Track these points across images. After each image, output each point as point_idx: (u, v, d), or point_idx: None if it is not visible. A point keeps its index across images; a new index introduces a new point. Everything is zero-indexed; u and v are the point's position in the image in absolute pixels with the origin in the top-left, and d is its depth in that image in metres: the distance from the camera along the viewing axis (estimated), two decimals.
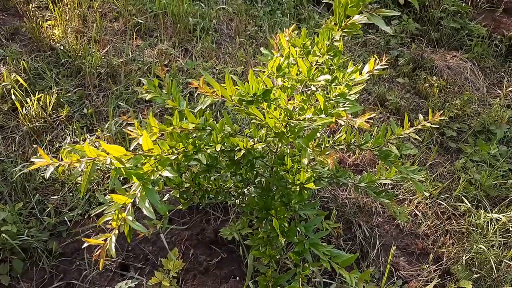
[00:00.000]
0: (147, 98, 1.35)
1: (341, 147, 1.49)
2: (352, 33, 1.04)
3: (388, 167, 1.49)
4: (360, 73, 1.32)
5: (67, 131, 2.23)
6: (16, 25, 2.88)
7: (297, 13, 3.66)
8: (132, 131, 1.12)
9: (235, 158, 1.29)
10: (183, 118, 1.23)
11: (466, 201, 2.20)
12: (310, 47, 1.24)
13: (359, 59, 3.26)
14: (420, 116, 1.43)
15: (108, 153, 0.97)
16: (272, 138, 1.28)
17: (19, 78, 2.33)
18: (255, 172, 1.48)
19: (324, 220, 1.69)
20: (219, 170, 1.42)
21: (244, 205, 1.58)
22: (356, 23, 1.00)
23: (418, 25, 3.78)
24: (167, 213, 1.59)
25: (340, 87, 1.23)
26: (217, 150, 1.20)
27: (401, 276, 1.88)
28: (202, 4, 3.41)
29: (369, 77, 1.35)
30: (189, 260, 1.76)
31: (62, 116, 2.29)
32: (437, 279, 1.85)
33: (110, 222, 0.94)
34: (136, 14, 3.14)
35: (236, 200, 1.65)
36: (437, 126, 1.43)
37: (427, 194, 2.21)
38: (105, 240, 0.93)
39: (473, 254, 1.95)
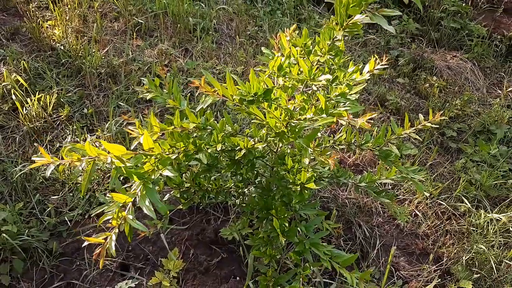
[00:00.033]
0: (148, 98, 1.35)
1: (342, 147, 1.49)
2: (354, 32, 1.04)
3: (388, 167, 1.49)
4: (361, 73, 1.32)
5: (68, 131, 2.23)
6: (17, 25, 2.88)
7: (297, 13, 3.66)
8: (133, 130, 1.12)
9: (236, 158, 1.29)
10: (184, 118, 1.23)
11: (466, 201, 2.20)
12: (311, 46, 1.25)
13: (359, 59, 3.26)
14: (421, 116, 1.43)
15: (109, 152, 0.97)
16: (273, 138, 1.28)
17: (19, 78, 2.33)
18: (255, 172, 1.48)
19: (324, 220, 1.69)
20: (220, 170, 1.42)
21: (244, 205, 1.58)
22: (358, 22, 1.00)
23: (418, 25, 3.78)
24: (168, 212, 1.59)
25: (340, 87, 1.23)
26: (218, 149, 1.20)
27: (401, 276, 1.88)
28: (202, 4, 3.41)
29: (369, 77, 1.35)
30: (189, 260, 1.76)
31: (62, 116, 2.29)
32: (437, 279, 1.85)
33: (110, 221, 0.94)
34: (136, 14, 3.14)
35: (237, 200, 1.65)
36: (437, 126, 1.43)
37: (427, 194, 2.21)
38: (105, 239, 0.93)
39: (473, 254, 1.95)
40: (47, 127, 2.24)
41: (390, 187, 2.28)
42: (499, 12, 3.93)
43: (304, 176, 1.27)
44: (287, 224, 1.38)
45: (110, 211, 0.94)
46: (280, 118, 1.20)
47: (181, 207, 1.53)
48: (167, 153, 1.10)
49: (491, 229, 2.07)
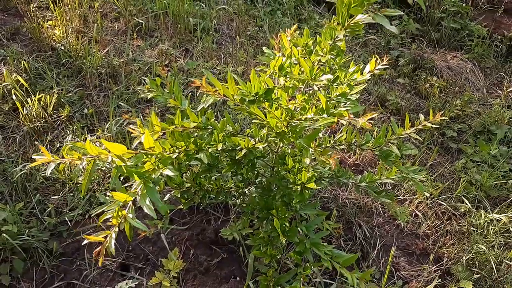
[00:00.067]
0: (149, 97, 1.35)
1: (342, 147, 1.49)
2: (355, 32, 1.04)
3: (389, 167, 1.49)
4: (362, 73, 1.32)
5: (68, 131, 2.23)
6: (17, 25, 2.88)
7: (297, 13, 3.66)
8: (134, 129, 1.12)
9: (236, 158, 1.29)
10: (185, 118, 1.23)
11: (466, 201, 2.20)
12: (312, 46, 1.25)
13: (360, 59, 3.26)
14: (421, 116, 1.43)
15: (109, 151, 0.97)
16: (274, 138, 1.28)
17: (19, 78, 2.33)
18: (256, 172, 1.48)
19: (324, 220, 1.69)
20: (220, 169, 1.42)
21: (245, 205, 1.58)
22: (360, 22, 1.00)
23: (418, 26, 3.78)
24: (168, 212, 1.59)
25: (341, 86, 1.23)
26: (219, 149, 1.20)
27: (402, 276, 1.88)
28: (202, 4, 3.42)
29: (370, 77, 1.35)
30: (190, 260, 1.76)
31: (62, 116, 2.29)
32: (438, 280, 1.85)
33: (110, 220, 0.94)
34: (137, 14, 3.14)
35: (237, 200, 1.65)
36: (438, 126, 1.43)
37: (428, 195, 2.21)
38: (105, 237, 0.93)
39: (473, 254, 1.95)
40: (47, 127, 2.24)
41: (390, 187, 2.28)
42: (500, 13, 3.94)
43: (305, 176, 1.27)
44: (287, 224, 1.38)
45: (110, 209, 0.94)
46: (281, 118, 1.20)
47: (182, 207, 1.53)
48: (167, 152, 1.10)
49: (491, 229, 2.07)
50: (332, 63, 1.27)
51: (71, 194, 1.92)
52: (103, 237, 0.93)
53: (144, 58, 2.79)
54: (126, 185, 1.49)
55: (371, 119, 1.09)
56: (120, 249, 1.77)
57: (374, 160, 2.40)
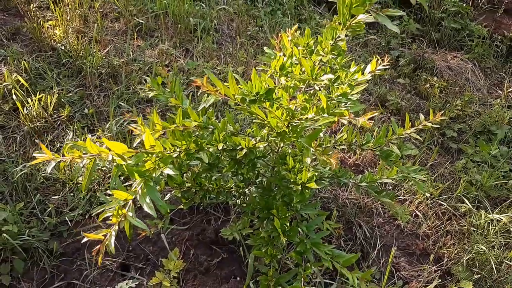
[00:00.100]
0: (150, 96, 1.36)
1: (343, 147, 1.49)
2: (357, 32, 1.04)
3: (389, 167, 1.49)
4: (363, 73, 1.32)
5: (68, 131, 2.23)
6: (17, 25, 2.88)
7: (297, 13, 3.66)
8: (135, 128, 1.12)
9: (237, 157, 1.29)
10: (186, 117, 1.23)
11: (467, 201, 2.20)
12: (313, 46, 1.25)
13: (360, 60, 3.26)
14: (421, 116, 1.43)
15: (110, 150, 0.97)
16: (274, 138, 1.28)
17: (20, 78, 2.33)
18: (256, 172, 1.48)
19: (325, 220, 1.69)
20: (221, 169, 1.42)
21: (245, 205, 1.58)
22: (361, 22, 1.00)
23: (418, 26, 3.78)
24: (168, 211, 1.59)
25: (342, 86, 1.23)
26: (219, 148, 1.20)
27: (402, 276, 1.88)
28: (203, 4, 3.42)
29: (371, 77, 1.35)
30: (190, 260, 1.76)
31: (63, 116, 2.29)
32: (438, 280, 1.84)
33: (110, 218, 0.94)
34: (137, 14, 3.14)
35: (237, 200, 1.65)
36: (438, 126, 1.43)
37: (428, 195, 2.20)
38: (105, 236, 0.93)
39: (473, 254, 1.95)
40: (47, 127, 2.24)
41: (390, 187, 2.28)
42: (500, 13, 3.94)
43: (305, 176, 1.27)
44: (288, 224, 1.38)
45: (110, 208, 0.94)
46: (282, 118, 1.20)
47: (182, 207, 1.53)
48: (168, 151, 1.10)
49: (491, 229, 2.07)
50: (333, 63, 1.27)
51: (72, 194, 1.92)
52: (102, 235, 0.93)
53: (145, 58, 2.79)
54: (126, 184, 1.49)
55: (371, 118, 1.09)
56: (121, 249, 1.77)
57: (374, 160, 2.40)
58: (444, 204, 2.20)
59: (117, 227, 0.93)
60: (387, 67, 1.39)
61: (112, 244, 0.92)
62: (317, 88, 1.19)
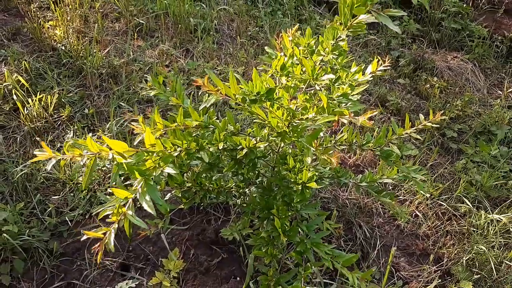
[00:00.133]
0: (151, 94, 1.36)
1: (343, 147, 1.49)
2: (358, 32, 1.04)
3: (389, 167, 1.49)
4: (363, 74, 1.32)
5: (69, 131, 2.23)
6: (18, 25, 2.88)
7: (298, 13, 3.66)
8: (136, 126, 1.12)
9: (237, 157, 1.29)
10: (186, 116, 1.23)
11: (466, 202, 2.20)
12: (314, 46, 1.25)
13: (360, 60, 3.26)
14: (421, 116, 1.43)
15: (110, 149, 0.97)
16: (275, 138, 1.28)
17: (20, 78, 2.33)
18: (257, 171, 1.48)
19: (325, 220, 1.69)
20: (221, 169, 1.42)
21: (245, 205, 1.58)
22: (362, 22, 1.00)
23: (419, 26, 3.78)
24: (168, 210, 1.59)
25: (343, 87, 1.23)
26: (220, 148, 1.20)
27: (402, 276, 1.88)
28: (203, 4, 3.42)
29: (371, 78, 1.35)
30: (190, 260, 1.76)
31: (63, 116, 2.29)
32: (438, 280, 1.85)
33: (110, 216, 0.94)
34: (138, 14, 3.14)
35: (238, 200, 1.65)
36: (438, 126, 1.43)
37: (428, 195, 2.21)
38: (104, 234, 0.93)
39: (473, 255, 1.95)
40: (48, 127, 2.24)
41: (390, 187, 2.28)
42: (500, 13, 3.94)
43: (306, 176, 1.27)
44: (288, 224, 1.38)
45: (110, 206, 0.94)
46: (282, 118, 1.20)
47: (182, 206, 1.53)
48: (169, 151, 1.10)
49: (491, 229, 2.07)
50: (334, 63, 1.27)
51: (72, 194, 1.92)
52: (102, 234, 0.93)
53: (145, 58, 2.79)
54: (126, 183, 1.49)
55: (371, 118, 1.09)
56: (120, 249, 1.77)
57: (374, 160, 2.40)
58: (444, 204, 2.20)
59: (116, 225, 0.93)
60: (388, 68, 1.39)
61: (112, 242, 0.92)
62: (317, 88, 1.19)
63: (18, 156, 2.05)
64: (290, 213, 1.39)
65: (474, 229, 2.09)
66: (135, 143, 1.11)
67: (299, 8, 3.72)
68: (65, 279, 1.68)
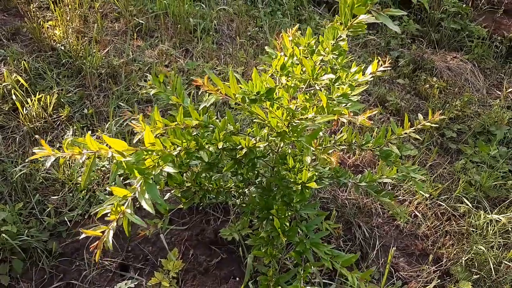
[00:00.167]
0: (151, 93, 1.36)
1: (342, 147, 1.49)
2: (358, 32, 1.04)
3: (389, 167, 1.49)
4: (363, 74, 1.32)
5: (68, 131, 2.23)
6: (17, 25, 2.88)
7: (297, 14, 3.67)
8: (136, 125, 1.12)
9: (237, 157, 1.29)
10: (186, 115, 1.23)
11: (466, 202, 2.20)
12: (314, 46, 1.25)
13: (360, 60, 3.26)
14: (420, 116, 1.43)
15: (110, 147, 0.97)
16: (274, 138, 1.28)
17: (19, 78, 2.33)
18: (256, 171, 1.48)
19: (324, 220, 1.69)
20: (221, 169, 1.42)
21: (245, 205, 1.58)
22: (363, 22, 1.00)
23: (418, 26, 3.78)
24: (167, 210, 1.59)
25: (343, 87, 1.23)
26: (219, 147, 1.20)
27: (401, 277, 1.88)
28: (202, 4, 3.42)
29: (371, 78, 1.35)
30: (189, 260, 1.76)
31: (62, 116, 2.29)
32: (437, 280, 1.85)
33: (109, 215, 0.94)
34: (137, 14, 3.14)
35: (237, 200, 1.65)
36: (437, 126, 1.43)
37: (427, 195, 2.21)
38: (103, 232, 0.93)
39: (472, 255, 1.95)
40: (47, 127, 2.24)
41: (389, 188, 2.28)
42: (499, 13, 3.94)
43: (305, 175, 1.27)
44: (287, 224, 1.38)
45: (109, 204, 0.94)
46: (282, 117, 1.20)
47: (182, 206, 1.53)
48: (168, 150, 1.10)
49: (490, 230, 2.07)
50: (334, 63, 1.27)
51: (71, 194, 1.92)
52: (100, 232, 0.93)
53: (144, 59, 2.79)
54: (125, 182, 1.49)
55: (370, 117, 1.09)
56: (120, 250, 1.77)
57: (373, 160, 2.40)
58: (443, 204, 2.20)
59: (115, 224, 0.93)
60: (388, 68, 1.39)
61: (110, 241, 0.91)
62: (317, 88, 1.19)
63: (17, 156, 2.05)
64: (289, 213, 1.39)
65: (473, 229, 2.09)
66: (134, 142, 1.11)
67: (298, 8, 3.72)
68: (64, 279, 1.68)
